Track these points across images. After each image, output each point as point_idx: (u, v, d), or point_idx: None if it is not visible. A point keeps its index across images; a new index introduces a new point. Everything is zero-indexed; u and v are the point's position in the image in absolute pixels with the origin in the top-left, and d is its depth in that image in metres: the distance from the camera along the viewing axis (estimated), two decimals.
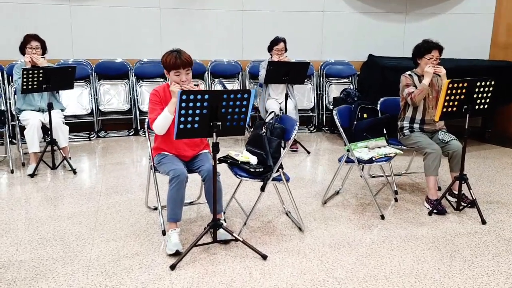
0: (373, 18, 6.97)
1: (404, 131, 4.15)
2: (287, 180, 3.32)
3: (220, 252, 3.07)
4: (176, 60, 3.13)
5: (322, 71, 6.92)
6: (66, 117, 5.24)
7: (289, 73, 5.41)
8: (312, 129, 6.83)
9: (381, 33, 7.00)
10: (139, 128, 6.37)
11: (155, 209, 3.73)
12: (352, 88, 6.77)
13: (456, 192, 3.94)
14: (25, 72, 4.36)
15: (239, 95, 2.85)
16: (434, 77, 4.08)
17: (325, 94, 6.88)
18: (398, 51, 6.99)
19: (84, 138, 6.10)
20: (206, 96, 2.76)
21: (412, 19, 7.02)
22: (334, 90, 6.89)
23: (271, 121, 3.49)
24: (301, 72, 5.54)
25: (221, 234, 3.13)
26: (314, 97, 6.87)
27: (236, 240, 3.09)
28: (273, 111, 3.67)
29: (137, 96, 6.36)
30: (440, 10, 7.00)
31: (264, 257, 2.99)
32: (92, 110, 6.22)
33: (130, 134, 6.35)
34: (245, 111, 2.92)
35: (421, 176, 4.74)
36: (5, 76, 5.82)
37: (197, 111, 2.77)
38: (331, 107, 6.78)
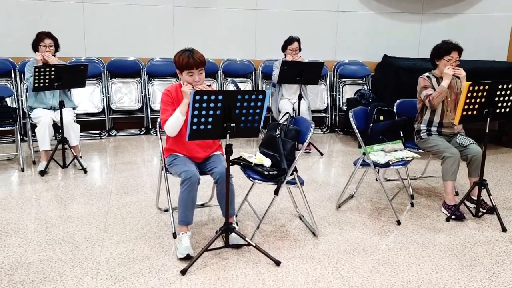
0: (388, 18, 6.85)
1: (422, 134, 4.04)
2: (302, 183, 3.23)
3: (232, 257, 2.99)
4: (188, 60, 3.06)
5: (335, 71, 6.81)
6: (77, 115, 5.21)
7: (302, 73, 5.32)
8: (325, 130, 6.73)
9: (396, 33, 6.88)
10: (150, 127, 6.31)
11: (166, 210, 3.67)
12: (366, 89, 6.66)
13: (475, 198, 3.83)
14: (37, 70, 4.32)
15: (253, 96, 2.77)
16: (453, 79, 3.97)
17: (339, 95, 6.78)
18: (413, 51, 6.87)
19: (95, 137, 6.06)
20: (220, 97, 2.68)
21: (428, 19, 6.89)
22: (348, 91, 6.79)
23: (285, 123, 3.41)
24: (315, 72, 5.45)
25: (233, 238, 3.05)
26: (328, 97, 6.77)
27: (249, 245, 3.01)
28: (287, 112, 3.59)
29: (149, 94, 6.31)
30: (457, 11, 6.86)
31: (278, 263, 2.90)
32: (103, 108, 6.18)
33: (142, 133, 6.30)
34: (260, 112, 2.84)
35: (437, 180, 4.63)
36: (17, 73, 5.80)
37: (211, 112, 2.70)
38: (344, 108, 6.67)
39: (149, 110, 6.29)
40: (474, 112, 3.50)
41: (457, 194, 4.19)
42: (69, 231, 3.31)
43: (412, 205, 3.99)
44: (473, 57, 6.23)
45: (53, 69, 4.39)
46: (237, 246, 3.07)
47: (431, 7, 6.86)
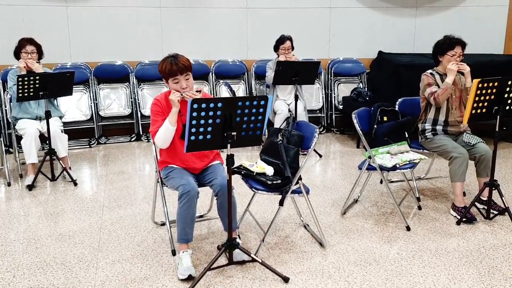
0: (382, 13, 6.68)
1: (427, 134, 3.87)
2: (307, 192, 3.05)
3: (237, 274, 2.80)
4: (172, 67, 2.85)
5: (330, 69, 6.63)
6: (64, 123, 4.98)
7: (298, 73, 5.13)
8: (321, 130, 6.55)
9: (391, 29, 6.72)
10: (141, 133, 6.09)
11: (163, 224, 3.47)
12: (362, 87, 6.50)
13: (484, 199, 3.69)
14: (20, 79, 4.09)
15: (255, 102, 2.59)
16: (457, 76, 3.81)
17: (334, 94, 6.60)
18: (408, 47, 6.72)
19: (84, 145, 5.82)
20: (219, 104, 2.49)
21: (423, 13, 6.73)
22: (344, 89, 6.61)
23: (287, 128, 3.22)
24: (311, 72, 5.26)
25: (237, 254, 2.86)
26: (323, 96, 6.59)
27: (254, 261, 2.82)
28: (288, 117, 3.41)
29: (138, 99, 6.08)
30: (452, 3, 6.72)
31: (286, 279, 2.72)
32: (92, 115, 5.94)
33: (132, 140, 6.07)
34: (262, 119, 2.66)
35: (442, 180, 4.48)
36: (0, 82, 5.54)
37: (210, 121, 2.51)
38: (340, 107, 6.50)
39: (139, 116, 6.07)
40: (483, 110, 3.35)
41: (464, 194, 4.03)
42: (60, 252, 3.10)
43: (420, 208, 3.83)
44: (470, 50, 6.07)
45: (37, 77, 4.16)
46: (241, 262, 2.88)
47: (426, 1, 6.70)
